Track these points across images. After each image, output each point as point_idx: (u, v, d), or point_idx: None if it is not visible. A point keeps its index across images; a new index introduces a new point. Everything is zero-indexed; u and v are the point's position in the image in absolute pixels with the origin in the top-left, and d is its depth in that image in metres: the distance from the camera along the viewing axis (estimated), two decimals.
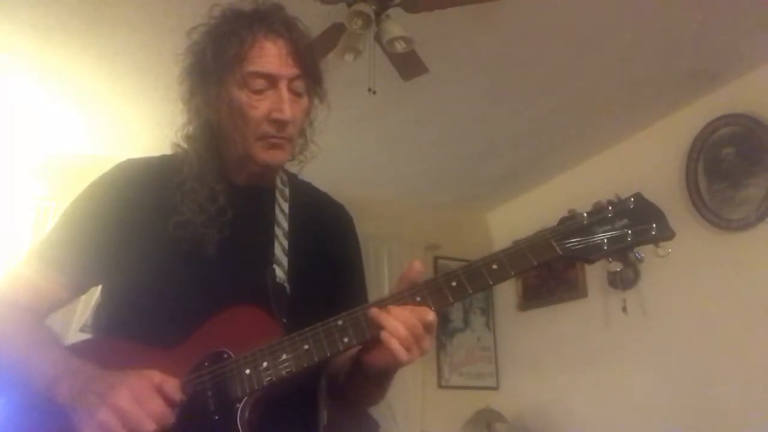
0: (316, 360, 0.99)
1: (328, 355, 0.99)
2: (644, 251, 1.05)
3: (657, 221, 1.04)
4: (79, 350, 1.08)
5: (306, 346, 0.99)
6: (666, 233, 1.04)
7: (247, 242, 1.16)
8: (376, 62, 2.68)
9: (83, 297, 1.25)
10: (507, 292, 4.69)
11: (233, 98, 1.12)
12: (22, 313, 1.11)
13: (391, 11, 2.56)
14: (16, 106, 3.45)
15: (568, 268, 4.16)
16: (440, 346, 4.64)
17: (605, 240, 1.03)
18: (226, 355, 1.02)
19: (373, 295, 1.18)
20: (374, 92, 2.70)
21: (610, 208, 1.05)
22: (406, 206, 4.78)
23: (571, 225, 1.04)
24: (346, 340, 0.99)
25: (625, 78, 3.30)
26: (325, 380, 1.15)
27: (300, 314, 1.05)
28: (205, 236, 1.11)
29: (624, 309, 3.66)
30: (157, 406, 0.94)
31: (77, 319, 3.42)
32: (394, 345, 0.95)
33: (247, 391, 0.99)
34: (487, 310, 4.91)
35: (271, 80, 1.12)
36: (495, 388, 4.74)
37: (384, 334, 0.96)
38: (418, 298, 0.99)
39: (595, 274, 3.94)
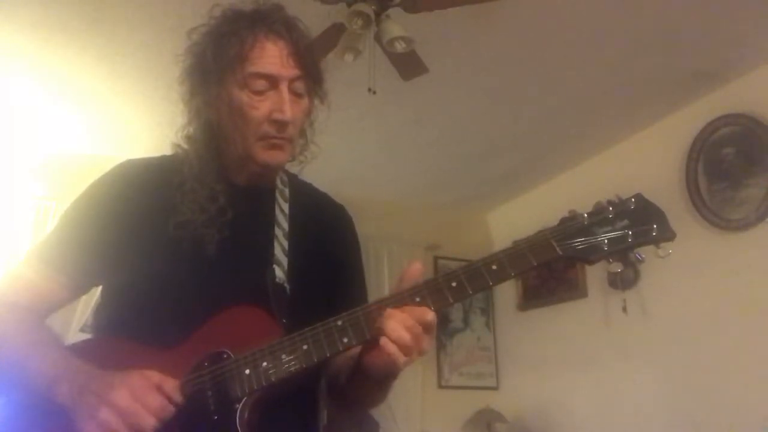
0: (316, 360, 0.99)
1: (328, 355, 0.99)
2: (645, 252, 1.05)
3: (658, 222, 1.04)
4: (79, 350, 1.08)
5: (305, 347, 0.99)
6: (667, 234, 1.04)
7: (247, 242, 1.16)
8: (376, 62, 2.68)
9: (83, 297, 1.25)
10: (507, 292, 4.69)
11: (234, 99, 1.12)
12: (22, 313, 1.11)
13: (391, 11, 2.56)
14: (16, 106, 3.45)
15: (568, 269, 4.16)
16: (440, 346, 4.64)
17: (606, 241, 1.03)
18: (225, 356, 1.02)
19: (373, 295, 1.17)
20: (374, 92, 2.70)
21: (610, 208, 1.05)
22: (406, 206, 4.78)
23: (571, 225, 1.04)
24: (345, 340, 0.99)
25: (625, 78, 3.29)
26: (325, 380, 1.15)
27: (300, 314, 1.05)
28: (205, 236, 1.11)
29: (624, 309, 3.66)
30: (156, 401, 0.94)
31: (77, 319, 3.42)
32: (392, 349, 0.95)
33: (247, 391, 0.99)
34: (487, 310, 4.91)
35: (272, 81, 1.12)
36: (495, 388, 4.74)
37: (382, 339, 0.96)
38: (418, 299, 0.99)
39: (595, 274, 3.94)
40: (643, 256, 1.05)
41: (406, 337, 0.95)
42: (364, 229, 1.37)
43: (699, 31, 2.92)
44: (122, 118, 3.60)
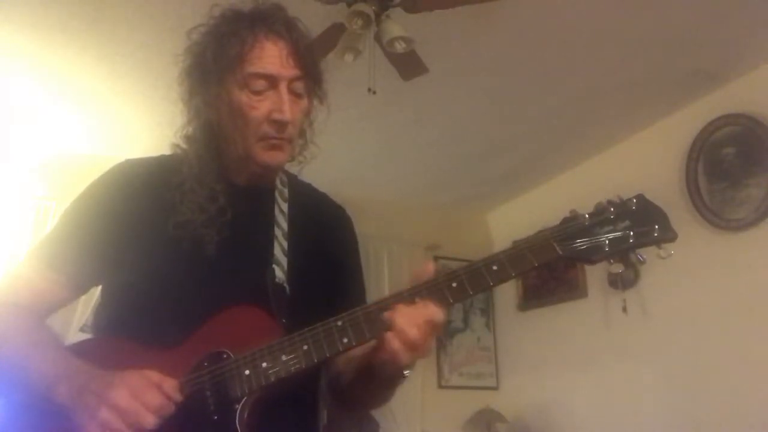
0: (316, 360, 0.99)
1: (328, 355, 0.99)
2: (645, 252, 1.04)
3: (659, 222, 1.04)
4: (79, 350, 1.08)
5: (305, 347, 0.99)
6: (668, 235, 1.04)
7: (247, 242, 1.16)
8: (376, 62, 2.68)
9: (83, 297, 1.25)
10: (507, 293, 4.69)
11: (233, 99, 1.12)
12: (22, 313, 1.11)
13: (391, 11, 2.56)
14: (16, 106, 3.45)
15: (568, 269, 4.16)
16: (440, 346, 4.64)
17: (607, 241, 1.02)
18: (225, 356, 1.01)
19: (372, 296, 1.17)
20: (374, 92, 2.70)
21: (612, 209, 1.05)
22: (406, 206, 4.78)
23: (572, 225, 1.03)
24: (345, 340, 0.99)
25: (625, 78, 3.29)
26: (325, 380, 1.15)
27: (299, 314, 1.05)
28: (205, 236, 1.11)
29: (624, 309, 3.66)
30: (156, 400, 0.94)
31: (77, 319, 3.42)
32: (396, 345, 0.95)
33: (247, 391, 0.99)
34: (487, 311, 4.91)
35: (272, 81, 1.12)
36: (495, 388, 4.74)
37: (388, 334, 0.96)
38: (418, 299, 0.99)
39: (595, 274, 3.94)
40: (645, 257, 1.04)
41: (414, 333, 0.95)
42: (364, 229, 1.37)
43: (699, 31, 2.92)
44: (122, 118, 3.60)
